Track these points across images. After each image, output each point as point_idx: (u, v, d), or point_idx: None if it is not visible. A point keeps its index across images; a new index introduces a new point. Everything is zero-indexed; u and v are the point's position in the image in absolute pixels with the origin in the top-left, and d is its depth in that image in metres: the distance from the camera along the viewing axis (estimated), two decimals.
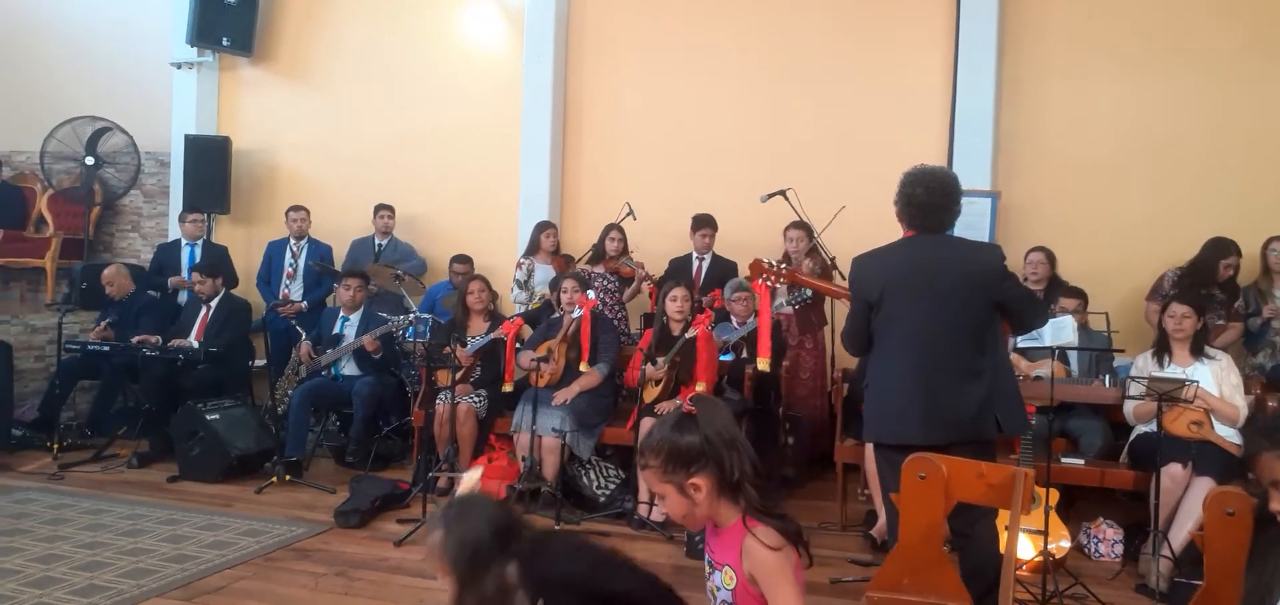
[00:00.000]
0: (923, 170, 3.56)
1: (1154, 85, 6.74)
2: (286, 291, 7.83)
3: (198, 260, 7.67)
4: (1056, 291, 5.87)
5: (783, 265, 4.26)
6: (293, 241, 7.91)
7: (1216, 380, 4.87)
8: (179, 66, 8.86)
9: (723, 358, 5.94)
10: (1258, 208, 6.29)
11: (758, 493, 2.04)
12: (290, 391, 6.69)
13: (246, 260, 8.33)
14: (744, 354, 6.08)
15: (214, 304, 7.07)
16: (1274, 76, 6.48)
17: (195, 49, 8.68)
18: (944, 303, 3.44)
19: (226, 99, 9.02)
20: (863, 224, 6.63)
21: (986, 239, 6.52)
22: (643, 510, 5.38)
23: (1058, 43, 6.94)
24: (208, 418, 6.16)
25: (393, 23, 8.54)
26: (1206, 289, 5.78)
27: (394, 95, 8.50)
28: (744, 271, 6.83)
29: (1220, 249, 5.91)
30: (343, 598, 4.17)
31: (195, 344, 6.81)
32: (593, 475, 5.76)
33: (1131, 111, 6.77)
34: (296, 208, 7.92)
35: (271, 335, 7.49)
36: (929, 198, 3.50)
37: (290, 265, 7.91)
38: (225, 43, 8.61)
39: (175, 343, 6.81)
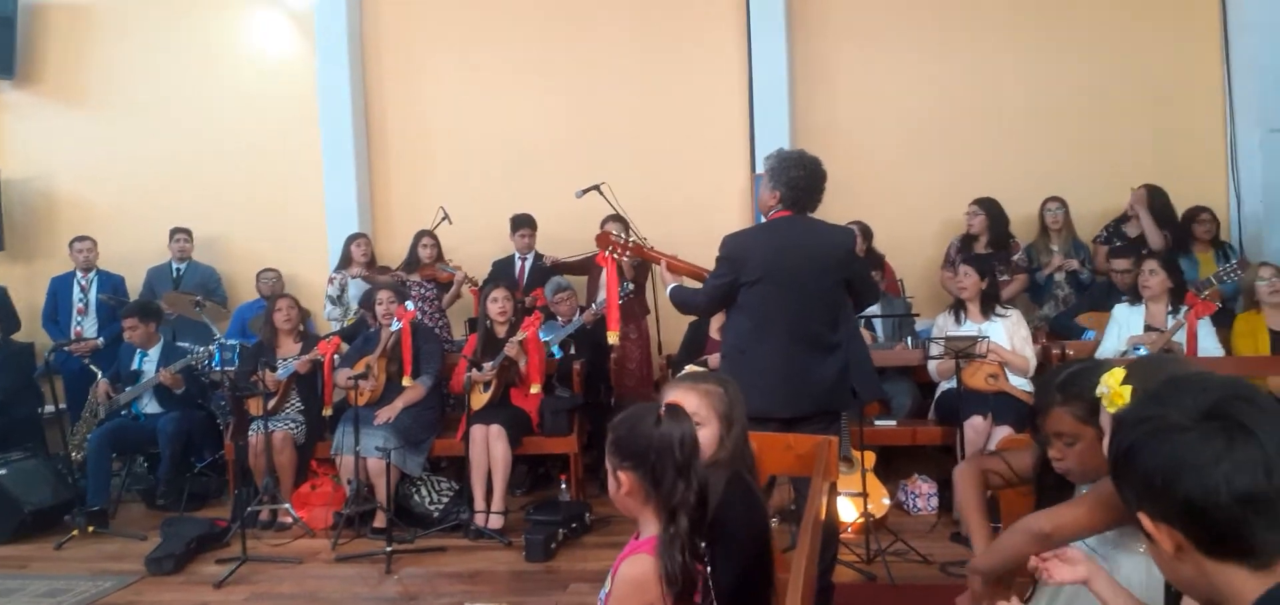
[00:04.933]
0: (798, 154, 3.76)
1: (931, 63, 7.15)
2: (78, 329, 7.24)
3: None
4: (874, 264, 6.14)
5: (630, 239, 4.32)
6: (80, 275, 7.33)
7: (1008, 334, 5.24)
8: None
9: (551, 356, 5.93)
10: (1031, 172, 6.77)
11: (683, 540, 1.98)
12: (89, 436, 6.20)
13: (31, 299, 7.63)
14: (572, 350, 6.10)
15: None
16: (1037, 51, 7.00)
17: None
18: (808, 281, 3.63)
19: None
20: (671, 208, 6.84)
21: None
22: (479, 519, 5.31)
23: (842, 26, 7.25)
24: None
25: (173, 35, 8.01)
26: (981, 250, 6.23)
27: (181, 110, 7.97)
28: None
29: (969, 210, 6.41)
30: None
31: None
32: (425, 491, 5.61)
33: (913, 89, 7.16)
34: (81, 238, 7.34)
35: (65, 378, 6.91)
36: (809, 179, 3.71)
37: (80, 300, 7.32)
38: None
39: None
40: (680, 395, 2.34)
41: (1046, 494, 2.28)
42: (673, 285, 4.00)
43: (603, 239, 4.27)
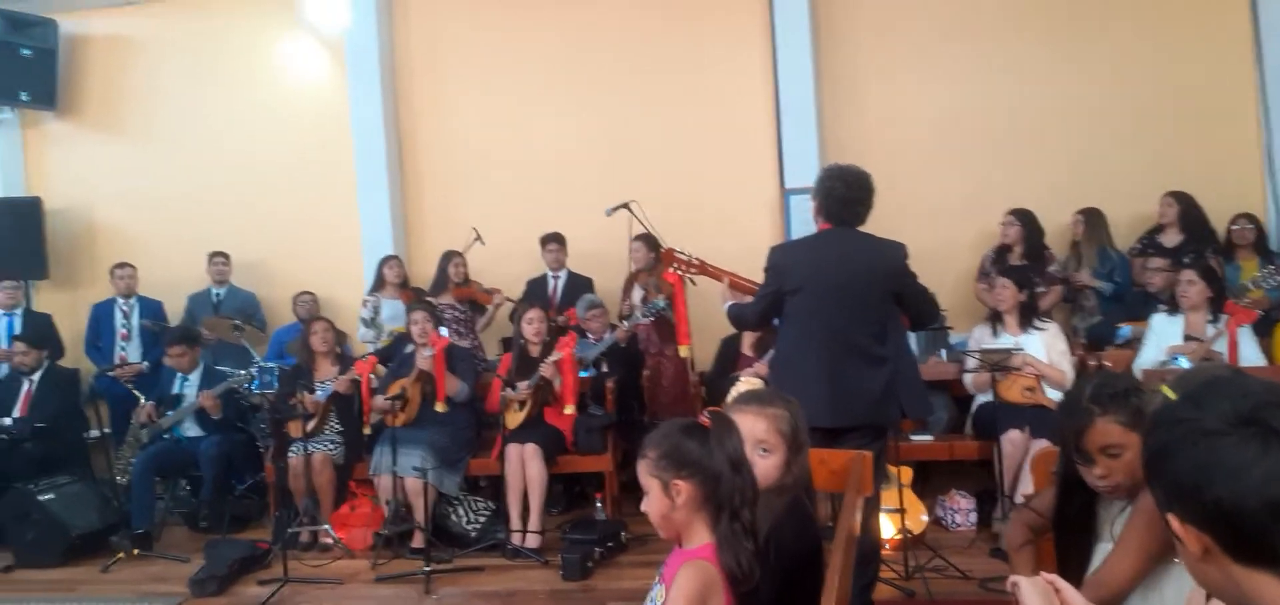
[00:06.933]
0: (842, 167, 3.78)
1: (961, 72, 7.12)
2: (122, 355, 7.37)
3: (18, 331, 7.12)
4: None
5: (695, 257, 4.38)
6: (121, 301, 7.46)
7: (1045, 347, 5.19)
8: None
9: (582, 374, 5.96)
10: (1064, 181, 6.73)
11: (745, 531, 1.99)
12: (133, 460, 6.31)
13: (73, 326, 7.79)
14: (604, 368, 6.12)
15: (37, 377, 6.60)
16: (1070, 60, 6.96)
17: None
18: (853, 294, 3.66)
19: (33, 157, 8.44)
20: (700, 225, 6.82)
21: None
22: (516, 539, 5.34)
23: (869, 36, 7.25)
24: (41, 498, 5.75)
25: (207, 64, 8.18)
26: (1016, 261, 6.18)
27: (217, 138, 8.14)
28: (600, 286, 6.90)
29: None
30: None
31: (8, 420, 6.37)
32: (461, 511, 5.65)
33: (942, 98, 7.13)
34: (122, 265, 7.48)
35: (109, 402, 7.04)
36: (848, 192, 3.72)
37: (123, 326, 7.46)
38: (24, 98, 8.03)
39: None
40: (748, 420, 2.27)
41: (1065, 531, 2.26)
42: (730, 302, 4.06)
43: (668, 256, 4.35)
